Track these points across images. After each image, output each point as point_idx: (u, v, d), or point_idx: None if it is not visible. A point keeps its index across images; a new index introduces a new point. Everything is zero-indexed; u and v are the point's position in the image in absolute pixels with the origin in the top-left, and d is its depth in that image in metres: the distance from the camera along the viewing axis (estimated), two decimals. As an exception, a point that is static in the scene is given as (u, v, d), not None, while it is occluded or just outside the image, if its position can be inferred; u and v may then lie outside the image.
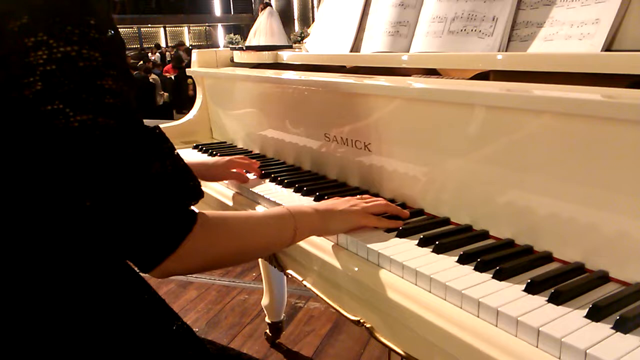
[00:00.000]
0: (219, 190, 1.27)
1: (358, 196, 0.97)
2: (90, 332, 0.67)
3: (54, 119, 0.56)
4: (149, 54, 12.89)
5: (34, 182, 0.60)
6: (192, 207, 0.69)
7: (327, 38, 1.50)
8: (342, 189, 1.14)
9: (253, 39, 2.08)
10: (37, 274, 0.64)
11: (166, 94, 8.89)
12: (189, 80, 7.62)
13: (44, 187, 0.60)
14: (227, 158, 1.26)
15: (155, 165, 0.64)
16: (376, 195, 1.07)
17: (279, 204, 1.05)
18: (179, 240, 0.65)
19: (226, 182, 1.27)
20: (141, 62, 10.44)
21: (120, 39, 0.63)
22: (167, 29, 23.77)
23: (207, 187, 1.31)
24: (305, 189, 1.12)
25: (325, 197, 1.03)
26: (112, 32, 0.61)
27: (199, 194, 0.70)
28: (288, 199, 1.10)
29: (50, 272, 0.64)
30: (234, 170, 1.24)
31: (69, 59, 0.57)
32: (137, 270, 0.71)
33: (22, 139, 0.58)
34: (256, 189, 1.16)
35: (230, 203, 1.21)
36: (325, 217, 0.87)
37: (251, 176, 1.27)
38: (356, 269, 0.82)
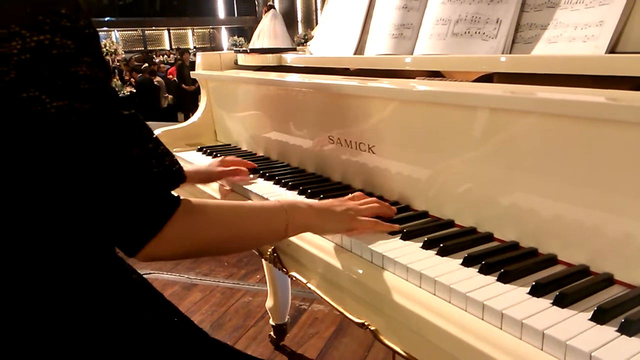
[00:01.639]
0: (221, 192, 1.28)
1: (350, 195, 0.96)
2: (86, 327, 0.67)
3: (31, 105, 0.57)
4: (153, 57, 12.92)
5: (14, 171, 0.60)
6: (176, 193, 0.70)
7: (331, 40, 1.50)
8: (346, 191, 1.13)
9: (257, 42, 2.09)
10: (25, 268, 0.64)
11: (170, 97, 8.91)
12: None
13: (25, 175, 0.60)
14: (218, 160, 1.29)
15: (135, 149, 0.64)
16: (380, 197, 1.07)
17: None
18: (160, 224, 0.65)
19: (229, 184, 1.27)
20: (146, 64, 10.48)
21: (93, 28, 0.64)
22: (171, 31, 23.85)
23: (210, 188, 1.32)
24: (309, 191, 1.12)
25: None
26: (84, 20, 0.62)
27: (181, 178, 0.70)
28: (292, 201, 1.10)
29: (40, 265, 0.65)
30: (229, 168, 1.27)
31: (42, 47, 0.58)
32: (126, 257, 0.71)
33: (1, 127, 0.58)
34: (260, 191, 1.16)
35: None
36: (322, 215, 0.87)
37: (255, 178, 1.27)
38: (360, 271, 0.82)
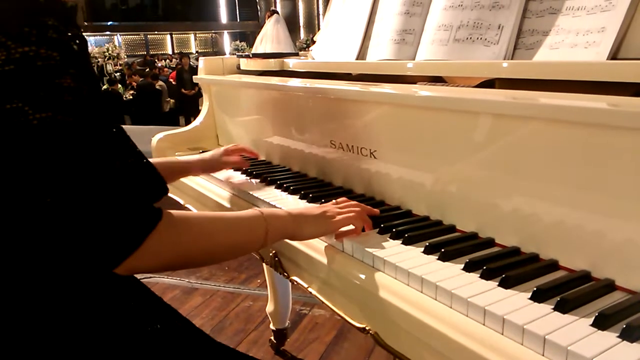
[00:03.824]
0: (223, 196, 1.28)
1: (333, 200, 0.97)
2: (85, 329, 0.67)
3: (14, 117, 0.57)
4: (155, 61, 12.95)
5: None
6: (160, 205, 0.69)
7: (333, 45, 1.50)
8: (347, 196, 1.13)
9: (259, 46, 2.09)
10: (21, 271, 0.64)
11: (172, 101, 8.93)
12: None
13: (7, 185, 0.60)
14: (222, 150, 1.34)
15: (117, 162, 0.64)
16: (381, 202, 1.08)
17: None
18: (142, 237, 0.65)
19: (231, 188, 1.27)
20: (148, 68, 10.50)
21: (82, 39, 0.64)
22: (173, 36, 23.92)
23: (211, 192, 1.32)
24: (310, 195, 1.12)
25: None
26: (73, 32, 0.62)
27: (162, 191, 0.70)
28: (293, 205, 1.10)
29: (37, 269, 0.64)
30: (232, 157, 1.32)
31: (27, 58, 0.58)
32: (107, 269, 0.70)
33: None
34: (262, 196, 1.16)
35: (236, 209, 1.22)
36: (298, 220, 0.87)
37: (257, 182, 1.27)
38: (362, 275, 0.82)
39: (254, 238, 0.82)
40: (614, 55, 0.85)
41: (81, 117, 0.61)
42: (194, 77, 1.92)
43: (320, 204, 1.06)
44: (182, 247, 0.72)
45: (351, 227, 0.91)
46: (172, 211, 0.70)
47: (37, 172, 0.59)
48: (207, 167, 1.31)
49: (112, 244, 0.63)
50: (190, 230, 0.73)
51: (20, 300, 0.64)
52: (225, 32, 25.00)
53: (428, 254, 0.82)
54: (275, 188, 1.23)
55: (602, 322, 0.59)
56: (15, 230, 0.62)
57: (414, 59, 1.19)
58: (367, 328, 0.82)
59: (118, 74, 10.91)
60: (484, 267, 0.73)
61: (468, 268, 0.75)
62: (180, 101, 8.94)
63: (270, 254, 1.07)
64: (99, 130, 0.64)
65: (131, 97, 8.41)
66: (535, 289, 0.67)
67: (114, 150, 0.65)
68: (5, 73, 0.57)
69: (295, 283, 1.03)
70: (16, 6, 0.59)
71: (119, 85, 9.03)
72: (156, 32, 23.36)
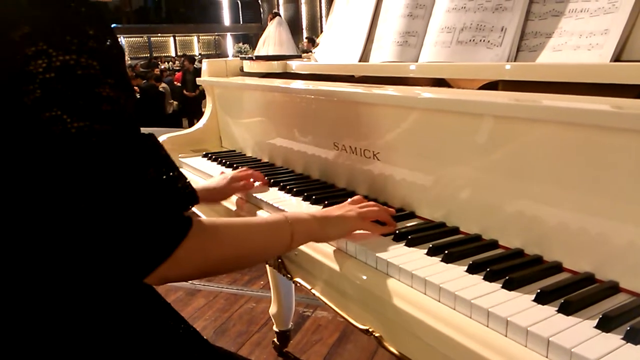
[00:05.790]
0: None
1: (350, 199, 0.98)
2: (93, 336, 0.67)
3: (52, 125, 0.58)
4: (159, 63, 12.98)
5: (31, 188, 0.60)
6: (188, 214, 0.70)
7: (336, 48, 1.51)
8: (350, 197, 1.14)
9: (262, 49, 2.09)
10: (36, 281, 0.64)
11: (175, 103, 8.94)
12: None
13: (42, 193, 0.60)
14: (229, 177, 1.25)
15: (150, 171, 0.65)
16: (384, 204, 1.07)
17: (288, 213, 1.06)
18: (173, 245, 0.65)
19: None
20: (150, 71, 10.52)
21: (119, 49, 0.64)
22: (176, 38, 23.98)
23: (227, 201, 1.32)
24: (314, 197, 1.12)
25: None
26: (111, 42, 0.63)
27: (193, 200, 0.70)
28: (297, 207, 1.10)
29: (49, 279, 0.65)
30: (240, 183, 1.24)
31: (67, 67, 0.58)
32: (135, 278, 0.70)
33: (21, 145, 0.59)
34: (265, 197, 1.16)
35: (242, 212, 1.22)
36: (322, 222, 0.89)
37: (260, 184, 1.28)
38: (365, 277, 0.82)
39: (281, 243, 0.83)
40: (617, 57, 0.85)
41: (118, 126, 0.62)
42: (197, 79, 1.92)
43: (324, 206, 1.07)
44: (213, 254, 0.72)
45: (362, 231, 0.92)
46: (201, 218, 0.71)
47: (72, 179, 0.59)
48: (213, 197, 1.24)
49: (145, 253, 0.63)
50: (220, 237, 0.74)
51: (28, 301, 0.64)
52: (228, 34, 25.05)
53: (432, 255, 0.82)
54: (279, 190, 1.23)
55: (606, 324, 0.59)
56: (45, 236, 0.63)
57: (416, 61, 1.19)
58: (370, 330, 0.82)
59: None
60: (488, 269, 0.73)
61: (472, 270, 0.75)
62: (183, 103, 8.96)
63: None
64: (134, 139, 0.65)
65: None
66: (539, 290, 0.67)
67: (148, 159, 0.65)
68: (45, 81, 0.57)
69: (298, 285, 1.03)
70: (58, 16, 0.60)
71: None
72: (159, 35, 23.42)
